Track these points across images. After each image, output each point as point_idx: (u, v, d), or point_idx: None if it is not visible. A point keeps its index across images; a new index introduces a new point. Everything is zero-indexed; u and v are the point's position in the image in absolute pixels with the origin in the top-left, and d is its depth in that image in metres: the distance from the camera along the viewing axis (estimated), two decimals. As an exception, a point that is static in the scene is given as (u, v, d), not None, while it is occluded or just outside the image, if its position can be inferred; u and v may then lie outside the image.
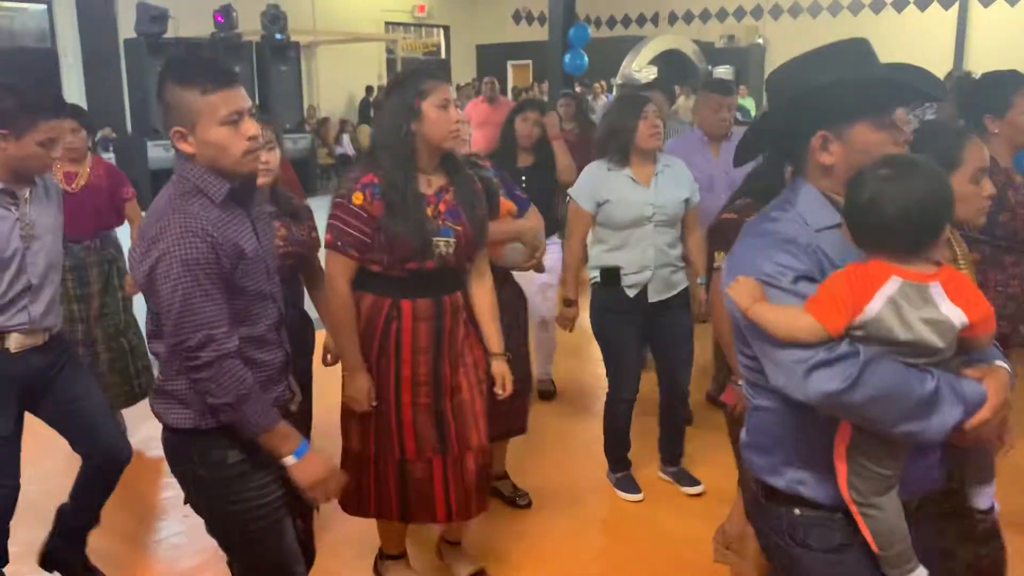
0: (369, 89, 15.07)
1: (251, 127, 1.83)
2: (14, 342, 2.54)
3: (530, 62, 16.63)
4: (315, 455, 1.94)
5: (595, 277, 3.45)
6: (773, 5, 15.47)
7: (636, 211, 3.34)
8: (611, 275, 3.39)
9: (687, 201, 3.41)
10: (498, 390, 2.71)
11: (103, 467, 2.73)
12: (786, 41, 14.90)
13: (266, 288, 1.95)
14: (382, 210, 2.41)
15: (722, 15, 16.04)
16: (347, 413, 2.61)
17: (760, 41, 15.44)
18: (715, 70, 14.20)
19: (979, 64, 12.27)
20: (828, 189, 1.54)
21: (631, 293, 3.39)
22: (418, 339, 2.53)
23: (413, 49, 17.63)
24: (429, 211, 2.47)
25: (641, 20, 17.10)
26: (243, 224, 1.89)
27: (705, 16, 16.33)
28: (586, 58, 9.62)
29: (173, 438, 1.93)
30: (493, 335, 2.72)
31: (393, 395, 2.54)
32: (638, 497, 3.52)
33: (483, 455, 2.68)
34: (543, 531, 3.27)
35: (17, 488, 2.64)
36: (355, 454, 2.63)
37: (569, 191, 3.48)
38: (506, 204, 3.05)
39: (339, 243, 2.45)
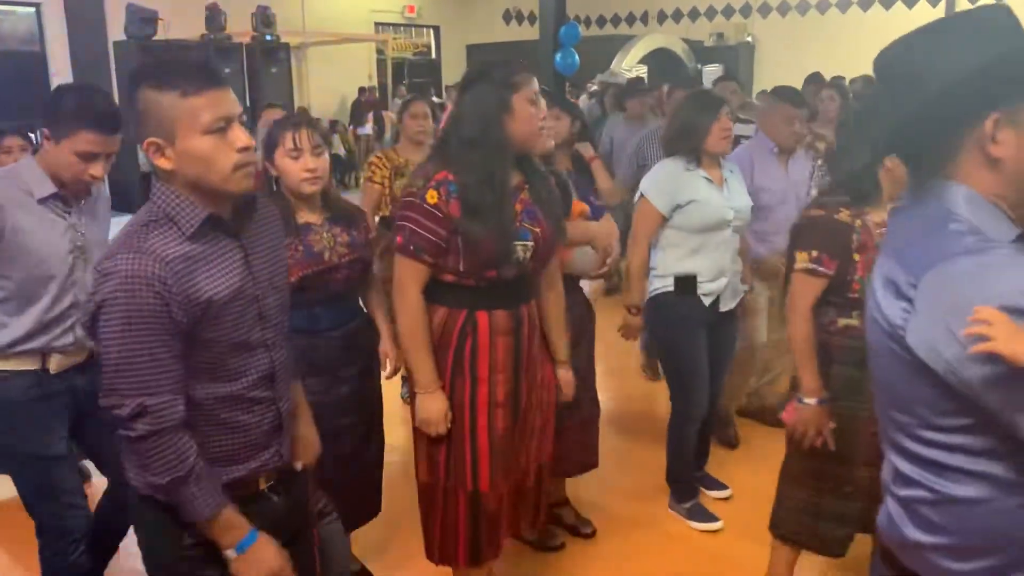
0: (362, 90, 15.05)
1: (241, 136, 1.55)
2: (55, 363, 2.39)
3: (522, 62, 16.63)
4: (264, 547, 1.65)
5: (665, 286, 3.22)
6: (762, 3, 15.50)
7: (718, 214, 3.16)
8: (687, 283, 3.19)
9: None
10: (565, 396, 2.56)
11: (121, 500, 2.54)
12: (775, 39, 14.95)
13: (252, 336, 1.64)
14: (459, 211, 2.18)
15: (711, 13, 16.07)
16: (419, 439, 2.38)
17: (749, 39, 15.48)
18: (704, 68, 14.22)
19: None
20: (989, 191, 1.20)
21: (707, 302, 3.21)
22: (496, 356, 2.29)
23: (403, 49, 17.61)
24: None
25: (631, 19, 17.12)
26: (225, 260, 1.60)
27: (694, 15, 16.35)
28: (577, 57, 9.64)
29: (135, 499, 1.66)
30: (560, 343, 2.54)
31: (468, 419, 2.31)
32: (718, 525, 3.35)
33: (544, 474, 2.53)
34: (601, 562, 3.14)
35: (86, 507, 2.51)
36: (425, 488, 2.42)
37: (642, 189, 3.26)
38: (578, 205, 2.89)
39: (411, 246, 2.20)
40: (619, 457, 3.94)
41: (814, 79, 6.68)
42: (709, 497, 3.54)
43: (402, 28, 17.79)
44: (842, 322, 2.50)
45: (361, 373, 2.68)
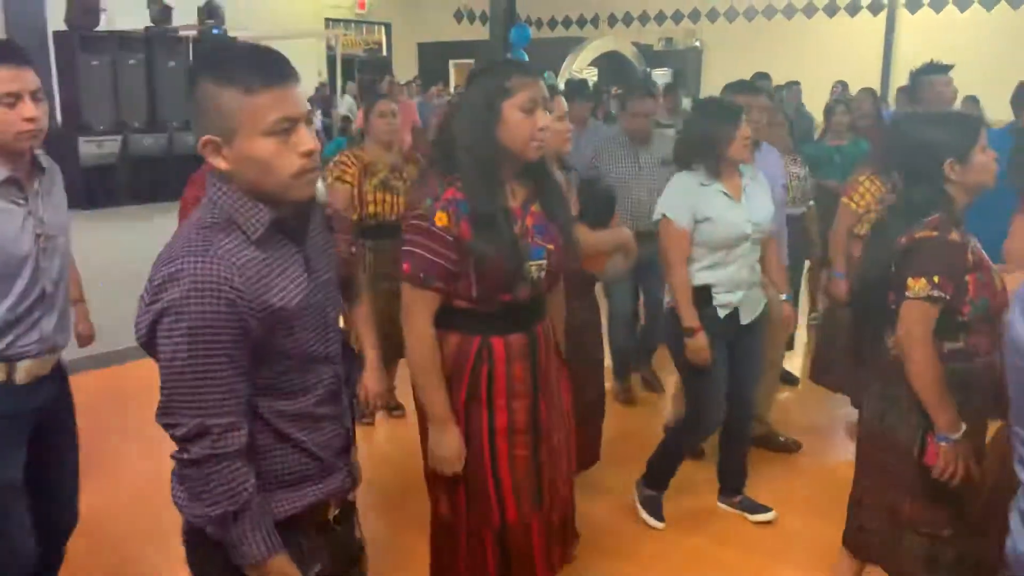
0: (320, 87, 14.89)
1: (307, 139, 1.40)
2: (23, 372, 2.18)
3: (472, 61, 16.64)
4: None
5: None
6: (710, 9, 15.74)
7: (736, 230, 3.07)
8: (702, 294, 3.11)
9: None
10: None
11: (51, 531, 2.36)
12: (723, 44, 15.19)
13: (318, 349, 1.53)
14: (471, 232, 2.02)
15: (660, 18, 16.27)
16: (433, 474, 2.22)
17: (697, 44, 15.70)
18: (653, 72, 14.39)
19: (907, 70, 12.69)
20: None
21: (722, 313, 3.13)
22: (514, 382, 2.15)
23: (354, 46, 17.49)
24: (516, 228, 2.08)
25: (581, 21, 17.24)
26: (291, 266, 1.47)
27: (644, 19, 16.54)
28: (527, 58, 9.69)
29: (186, 527, 1.52)
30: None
31: (488, 450, 2.16)
32: (660, 525, 3.35)
33: (569, 505, 2.39)
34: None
35: (29, 548, 2.25)
36: (443, 527, 2.26)
37: (662, 208, 3.16)
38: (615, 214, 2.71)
39: (421, 274, 2.04)
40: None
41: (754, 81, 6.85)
42: (750, 521, 3.44)
43: (352, 24, 17.66)
44: (948, 346, 2.35)
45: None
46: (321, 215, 1.62)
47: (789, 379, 4.92)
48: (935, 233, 2.29)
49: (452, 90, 14.61)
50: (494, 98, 2.03)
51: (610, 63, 14.40)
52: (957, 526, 2.41)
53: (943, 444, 2.28)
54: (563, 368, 2.36)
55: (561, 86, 7.72)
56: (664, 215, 3.12)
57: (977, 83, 4.69)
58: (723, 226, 3.05)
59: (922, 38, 13.32)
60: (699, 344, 3.09)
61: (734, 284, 3.12)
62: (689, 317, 3.09)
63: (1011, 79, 5.15)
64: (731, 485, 3.47)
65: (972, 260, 2.29)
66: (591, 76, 13.25)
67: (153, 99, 10.73)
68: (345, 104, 13.40)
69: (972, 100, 8.26)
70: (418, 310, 2.08)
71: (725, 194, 3.08)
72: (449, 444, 2.11)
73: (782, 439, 4.11)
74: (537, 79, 2.09)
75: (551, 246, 2.13)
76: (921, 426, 2.35)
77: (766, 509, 3.44)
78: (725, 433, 3.38)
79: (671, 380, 4.77)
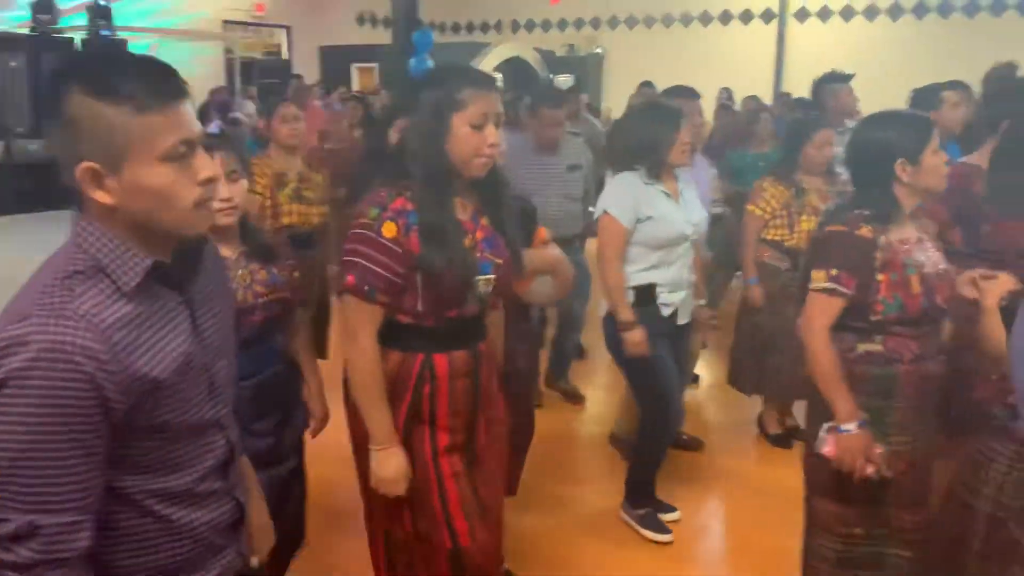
0: (217, 91, 14.44)
1: (207, 165, 1.23)
2: None
3: (376, 66, 16.48)
4: None
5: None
6: (611, 16, 16.01)
7: (677, 229, 3.13)
8: (646, 293, 3.14)
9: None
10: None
11: None
12: (623, 50, 15.47)
13: (204, 415, 1.32)
14: (420, 244, 1.95)
15: (563, 24, 16.45)
16: (376, 498, 2.13)
17: (599, 51, 15.95)
18: (556, 78, 14.54)
19: (797, 77, 13.18)
20: None
21: (666, 312, 3.16)
22: (455, 401, 2.09)
23: (253, 49, 17.08)
24: (466, 241, 2.02)
25: (485, 27, 17.28)
26: (171, 322, 1.26)
27: (547, 25, 16.69)
28: (431, 63, 9.66)
29: None
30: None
31: (433, 471, 2.09)
32: (668, 538, 3.28)
33: (501, 527, 2.29)
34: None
35: None
36: (400, 538, 2.18)
37: (604, 205, 3.18)
38: (542, 230, 2.69)
39: (366, 287, 1.96)
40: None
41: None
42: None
43: (251, 27, 17.24)
44: (862, 348, 2.32)
45: (279, 425, 2.43)
46: (213, 252, 1.46)
47: (693, 379, 5.05)
48: (843, 228, 2.29)
49: (354, 94, 14.43)
50: (444, 109, 1.95)
51: (514, 69, 14.49)
52: (869, 526, 2.39)
53: (840, 435, 2.26)
54: (501, 393, 2.28)
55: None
56: (606, 211, 3.13)
57: (860, 91, 4.92)
58: (665, 225, 3.09)
59: (811, 48, 13.87)
60: (637, 337, 3.11)
61: (676, 285, 3.18)
62: (625, 312, 3.11)
63: (893, 88, 5.41)
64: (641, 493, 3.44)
65: (882, 258, 2.25)
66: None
67: (38, 103, 10.28)
68: (245, 109, 13.07)
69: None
70: (361, 325, 1.99)
71: (666, 194, 3.13)
72: (393, 465, 2.04)
73: (685, 437, 4.21)
74: (491, 92, 2.01)
75: (500, 260, 2.08)
76: (819, 419, 2.35)
77: (671, 508, 3.45)
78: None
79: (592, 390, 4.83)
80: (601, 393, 4.95)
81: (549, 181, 4.29)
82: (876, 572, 2.44)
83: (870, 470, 2.28)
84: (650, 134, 3.11)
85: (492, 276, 2.05)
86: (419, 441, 2.09)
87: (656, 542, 3.31)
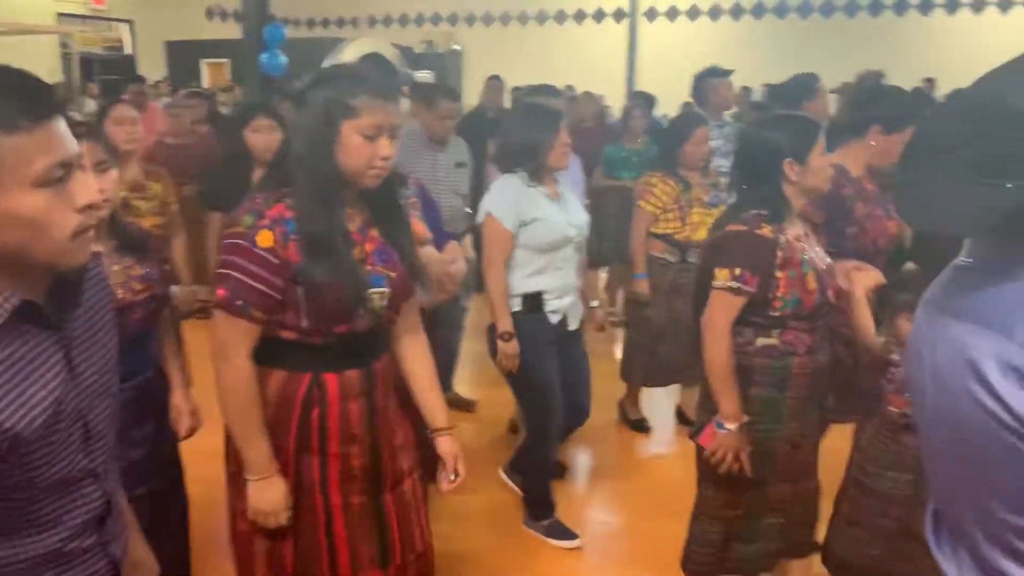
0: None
1: (86, 188, 1.11)
2: None
3: (227, 61, 15.94)
4: None
5: (511, 307, 3.09)
6: (468, 13, 16.10)
7: (561, 232, 3.08)
8: (534, 301, 3.08)
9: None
10: (449, 476, 2.11)
11: None
12: (481, 47, 15.59)
13: (78, 466, 1.18)
14: (300, 256, 1.80)
15: (420, 20, 16.42)
16: (247, 533, 1.96)
17: (457, 47, 16.01)
18: (415, 75, 14.50)
19: (648, 74, 13.66)
20: None
21: (554, 319, 3.12)
22: (349, 424, 1.93)
23: (92, 44, 16.17)
24: (355, 253, 1.89)
25: (340, 22, 17.02)
26: (42, 365, 1.13)
27: (404, 21, 16.61)
28: (284, 59, 9.43)
29: None
30: (437, 406, 2.14)
31: (321, 504, 1.93)
32: (578, 543, 3.25)
33: (428, 563, 2.15)
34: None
35: None
36: None
37: (487, 208, 3.08)
38: (418, 227, 2.54)
39: (238, 301, 1.79)
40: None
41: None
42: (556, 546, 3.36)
43: (89, 21, 16.31)
44: (760, 342, 2.40)
45: (158, 431, 2.32)
46: (97, 278, 1.30)
47: None
48: (744, 227, 2.34)
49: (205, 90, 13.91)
50: (335, 115, 1.80)
51: (372, 65, 14.34)
52: (752, 506, 2.51)
53: (719, 431, 2.36)
54: (406, 409, 2.14)
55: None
56: (490, 214, 3.08)
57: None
58: (549, 228, 3.05)
59: (659, 46, 14.42)
60: (511, 350, 3.06)
61: (563, 290, 3.14)
62: (504, 322, 3.06)
63: (736, 84, 5.68)
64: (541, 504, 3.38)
65: (782, 257, 2.33)
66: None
67: None
68: (85, 107, 12.37)
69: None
70: (234, 342, 1.83)
71: (548, 197, 3.10)
72: (271, 495, 1.88)
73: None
74: (388, 102, 1.86)
75: (393, 273, 1.95)
76: (709, 411, 2.45)
77: (572, 535, 3.34)
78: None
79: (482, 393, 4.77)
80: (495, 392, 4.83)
81: (438, 177, 4.20)
82: (752, 544, 2.57)
83: (735, 468, 2.39)
84: (530, 136, 3.06)
85: (386, 290, 1.92)
86: (308, 470, 1.93)
87: (568, 548, 3.29)
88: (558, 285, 3.13)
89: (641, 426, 4.52)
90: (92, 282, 1.28)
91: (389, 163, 1.88)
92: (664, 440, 4.49)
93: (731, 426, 2.37)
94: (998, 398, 1.01)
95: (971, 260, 1.11)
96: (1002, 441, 1.02)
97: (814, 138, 2.39)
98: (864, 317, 2.50)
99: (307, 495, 1.93)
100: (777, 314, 2.36)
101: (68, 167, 1.09)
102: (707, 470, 2.52)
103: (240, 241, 1.80)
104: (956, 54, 11.67)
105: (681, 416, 4.56)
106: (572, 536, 3.31)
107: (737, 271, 2.32)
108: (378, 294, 1.90)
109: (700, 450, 2.51)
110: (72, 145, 1.10)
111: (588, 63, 13.96)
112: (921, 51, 12.77)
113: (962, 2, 13.56)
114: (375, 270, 1.92)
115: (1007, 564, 1.10)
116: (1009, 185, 0.98)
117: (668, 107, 7.77)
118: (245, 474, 1.90)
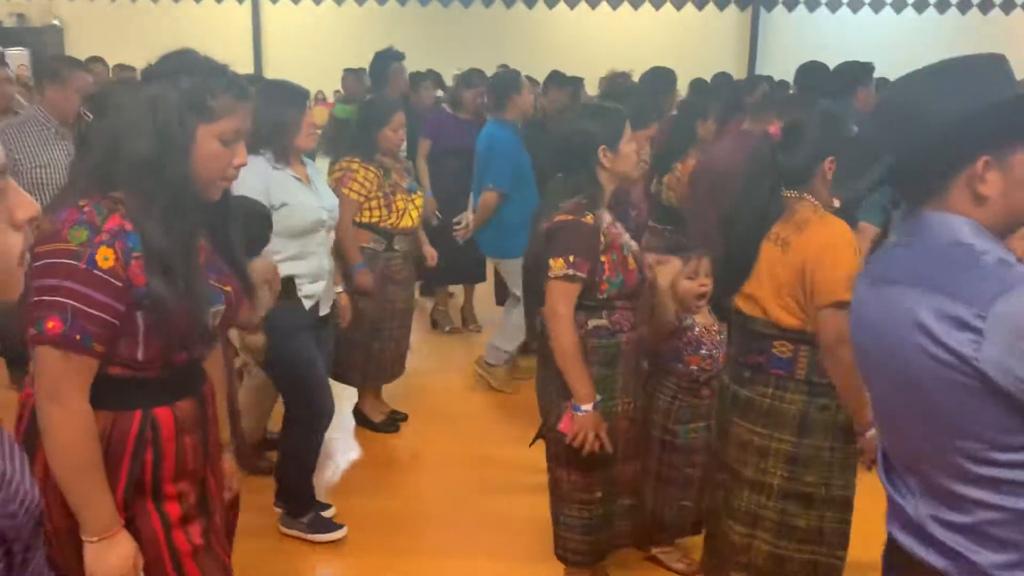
0: None
1: (24, 202, 0.95)
2: None
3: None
4: None
5: None
6: (67, -15, 14.59)
7: (314, 216, 2.99)
8: (286, 287, 2.88)
9: None
10: (227, 493, 1.97)
11: None
12: (84, 23, 14.24)
13: None
14: (145, 276, 1.56)
15: (9, -9, 14.55)
16: None
17: (57, 22, 14.46)
18: (8, 52, 12.86)
19: (271, 55, 13.44)
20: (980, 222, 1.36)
21: (308, 304, 3.00)
22: (184, 462, 1.73)
23: None
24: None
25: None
26: None
27: (-10, -9, 14.61)
28: None
29: None
30: (224, 420, 1.97)
31: (167, 552, 1.72)
32: (343, 533, 3.14)
33: None
34: None
35: None
36: None
37: (235, 191, 2.79)
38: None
39: (76, 335, 1.52)
40: None
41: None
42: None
43: None
44: (592, 323, 2.55)
45: None
46: None
47: None
48: (571, 216, 2.48)
49: None
50: (188, 115, 1.62)
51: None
52: (605, 487, 2.68)
53: (577, 414, 2.49)
54: (218, 440, 1.97)
55: None
56: None
57: (329, 68, 5.31)
58: (301, 211, 2.97)
59: (285, 27, 14.22)
60: (258, 342, 3.00)
61: (316, 275, 3.07)
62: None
63: (354, 62, 5.87)
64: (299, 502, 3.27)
65: (605, 241, 2.51)
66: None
67: None
68: None
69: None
70: (73, 385, 1.57)
71: (297, 179, 3.01)
72: (118, 555, 1.63)
73: (269, 436, 4.00)
74: (246, 105, 1.72)
75: (228, 288, 1.78)
76: (562, 396, 2.57)
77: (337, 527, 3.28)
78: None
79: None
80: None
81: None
82: (611, 528, 2.75)
83: (598, 446, 2.53)
84: (275, 116, 2.94)
85: (222, 307, 1.75)
86: (144, 518, 1.72)
87: (333, 541, 3.22)
88: (312, 270, 3.06)
89: (387, 426, 4.43)
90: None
91: (239, 172, 1.74)
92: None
93: (587, 407, 2.51)
94: (938, 341, 1.29)
95: (909, 239, 1.40)
96: (947, 378, 1.29)
97: (622, 127, 2.61)
98: (665, 301, 2.84)
99: (149, 547, 1.72)
100: (605, 296, 2.55)
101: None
102: (565, 456, 2.63)
103: (73, 262, 1.53)
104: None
105: (359, 416, 4.47)
106: (337, 527, 3.24)
107: (571, 259, 2.45)
108: (215, 312, 1.73)
109: (554, 439, 2.62)
110: None
111: (209, 43, 13.33)
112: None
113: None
114: (211, 286, 1.74)
115: (958, 486, 1.34)
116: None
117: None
118: (82, 535, 1.64)
